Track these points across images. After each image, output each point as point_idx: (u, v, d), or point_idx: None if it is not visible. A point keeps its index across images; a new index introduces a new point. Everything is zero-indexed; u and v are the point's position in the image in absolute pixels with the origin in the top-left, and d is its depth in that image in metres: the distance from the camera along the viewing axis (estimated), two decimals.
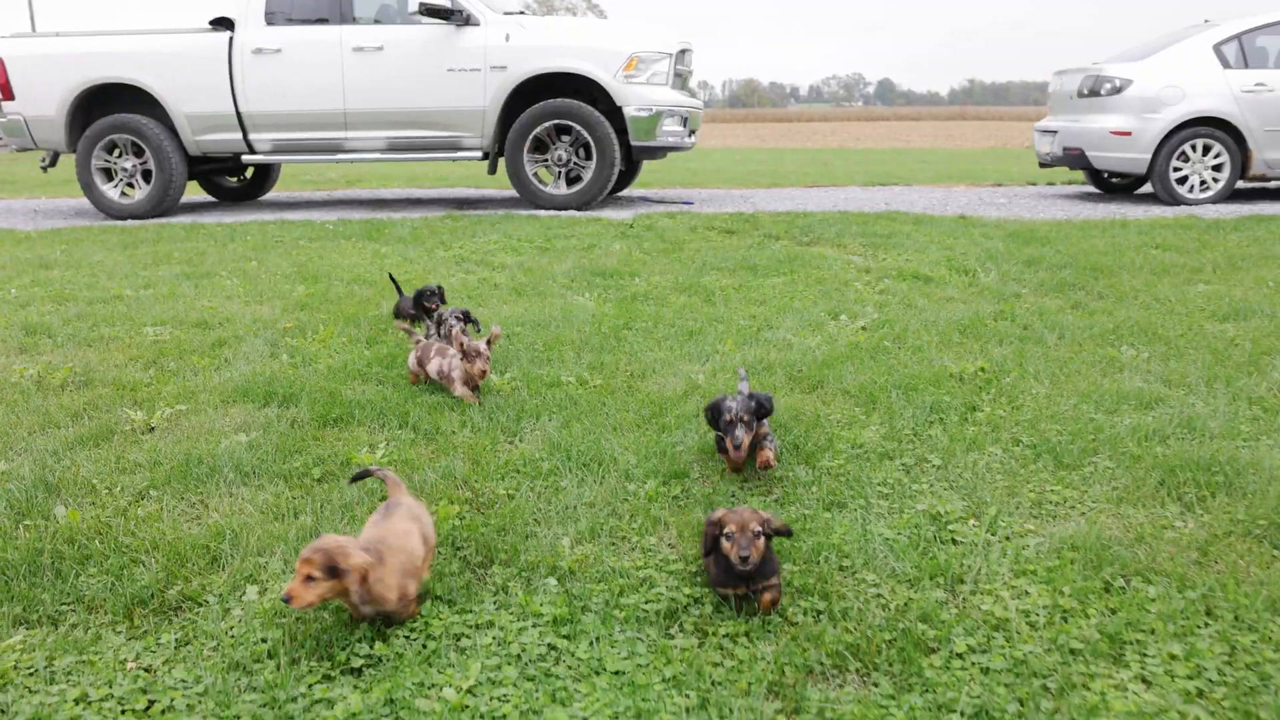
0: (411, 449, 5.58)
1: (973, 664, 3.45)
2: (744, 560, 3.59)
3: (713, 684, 3.36)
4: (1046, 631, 3.64)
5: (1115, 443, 5.46)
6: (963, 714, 3.16)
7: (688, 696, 3.29)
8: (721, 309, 9.06)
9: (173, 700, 3.37)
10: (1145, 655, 3.50)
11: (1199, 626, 3.66)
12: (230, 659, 3.57)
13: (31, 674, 3.53)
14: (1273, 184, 20.13)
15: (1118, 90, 16.83)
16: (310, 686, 3.41)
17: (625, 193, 19.93)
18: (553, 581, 4.06)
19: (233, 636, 3.73)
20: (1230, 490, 4.84)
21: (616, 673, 3.43)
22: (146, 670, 3.54)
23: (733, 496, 4.95)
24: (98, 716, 3.30)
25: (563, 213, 15.84)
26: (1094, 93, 17.20)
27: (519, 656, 3.56)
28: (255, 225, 15.13)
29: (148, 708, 3.34)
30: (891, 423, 5.87)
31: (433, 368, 6.42)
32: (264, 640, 3.67)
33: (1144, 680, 3.36)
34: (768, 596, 3.72)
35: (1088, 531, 4.41)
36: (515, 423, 5.96)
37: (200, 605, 3.98)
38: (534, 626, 3.74)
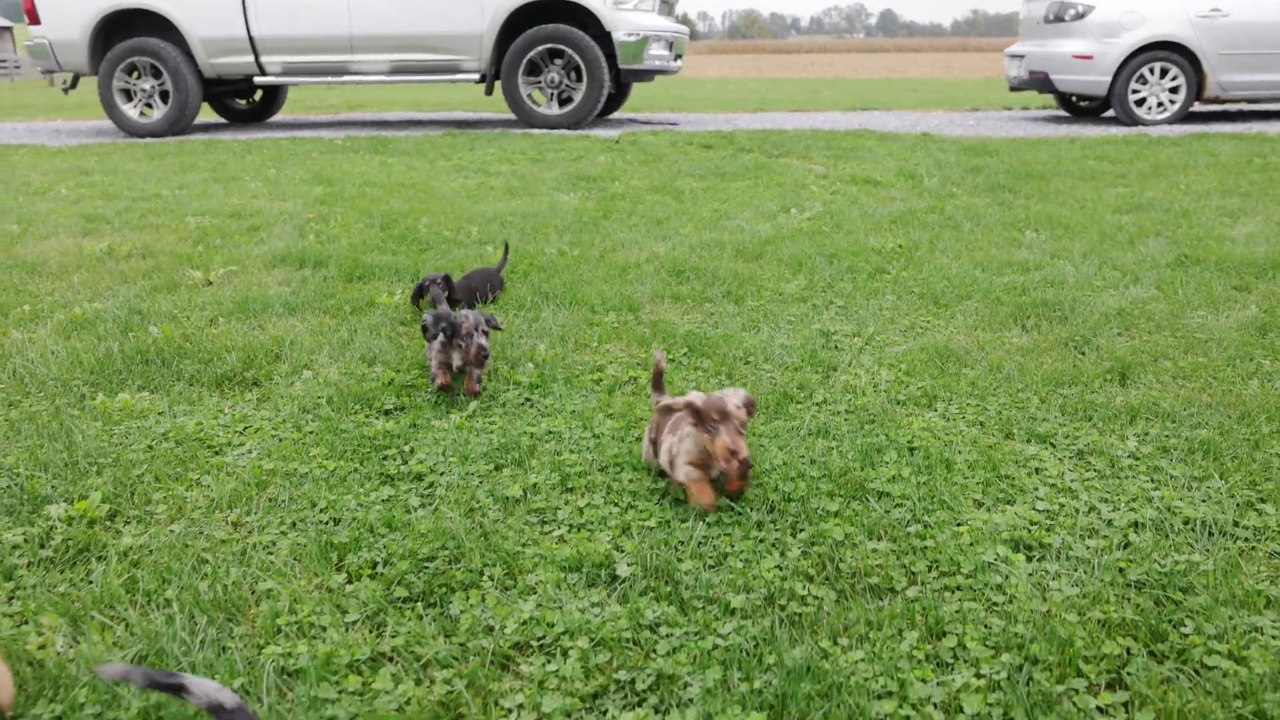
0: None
1: (824, 408, 4.87)
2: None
3: (640, 419, 4.77)
4: (884, 392, 5.05)
5: (987, 291, 6.84)
6: (809, 431, 4.58)
7: (620, 421, 4.71)
8: (689, 205, 10.38)
9: (260, 424, 4.80)
10: (949, 404, 4.91)
11: (994, 390, 5.06)
12: (299, 405, 4.99)
13: (161, 414, 4.95)
14: (1229, 107, 21.24)
15: (1080, 16, 17.90)
16: (355, 420, 4.83)
17: (614, 115, 21.08)
18: (530, 364, 5.47)
19: (297, 396, 5.14)
20: (1064, 320, 6.23)
21: (573, 411, 4.85)
22: (242, 416, 4.96)
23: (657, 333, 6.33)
24: (214, 429, 4.73)
25: (554, 131, 17.06)
26: (1059, 18, 18.28)
27: (504, 404, 4.99)
28: (269, 141, 16.36)
29: (244, 429, 4.76)
30: (811, 279, 7.25)
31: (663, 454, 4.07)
32: (320, 397, 5.08)
33: (943, 417, 4.78)
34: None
35: (942, 342, 5.80)
36: (508, 279, 7.33)
37: (271, 381, 5.39)
38: (514, 388, 5.16)
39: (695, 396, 3.71)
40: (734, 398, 3.71)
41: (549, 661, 3.09)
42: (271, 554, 3.70)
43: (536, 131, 16.94)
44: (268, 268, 7.82)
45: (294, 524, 3.93)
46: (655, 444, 4.03)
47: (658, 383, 4.35)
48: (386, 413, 4.95)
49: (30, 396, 5.19)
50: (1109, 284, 7.04)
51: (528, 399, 5.07)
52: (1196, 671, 2.96)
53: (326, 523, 3.92)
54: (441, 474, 4.29)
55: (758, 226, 9.16)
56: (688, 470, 3.79)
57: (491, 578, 3.52)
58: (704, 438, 3.69)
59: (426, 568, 3.57)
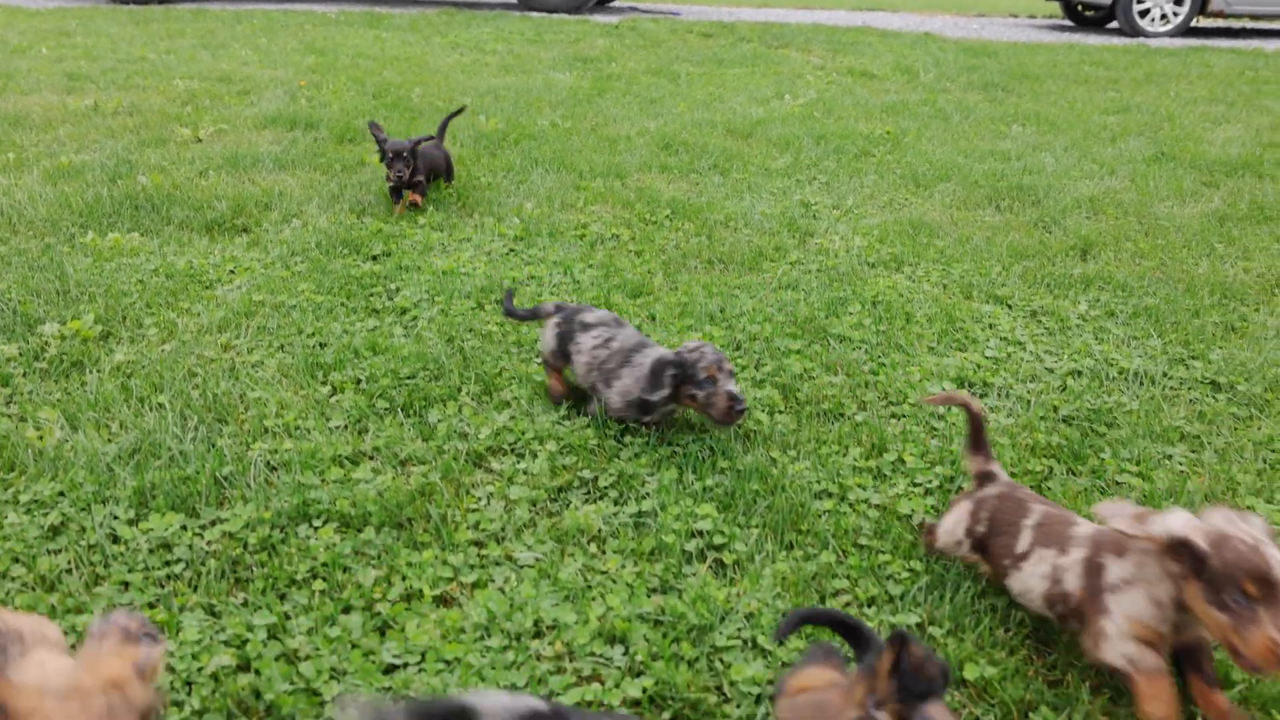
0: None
1: (797, 266, 5.07)
2: None
3: (619, 269, 4.97)
4: (855, 256, 5.25)
5: (966, 175, 6.98)
6: (780, 284, 4.79)
7: (600, 271, 4.91)
8: (684, 87, 10.39)
9: (250, 264, 4.97)
10: (916, 268, 5.12)
11: (960, 258, 5.26)
12: (288, 248, 5.16)
13: (151, 253, 5.11)
14: (1232, 24, 21.02)
15: None
16: (343, 262, 5.00)
17: (615, 3, 20.73)
18: (516, 220, 5.64)
19: (287, 240, 5.30)
20: (1036, 204, 6.40)
21: (555, 261, 5.04)
22: (232, 257, 5.12)
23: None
24: (204, 267, 4.91)
25: (554, 15, 16.83)
26: None
27: (489, 253, 5.17)
28: (259, 12, 16.11)
29: (234, 269, 4.94)
30: (797, 157, 7.37)
31: None
32: (310, 242, 5.24)
33: (909, 278, 4.99)
34: None
35: (917, 217, 5.98)
36: (498, 145, 7.43)
37: (260, 228, 5.54)
38: (500, 239, 5.34)
39: (1184, 522, 2.13)
40: (1251, 526, 2.11)
41: (519, 461, 3.34)
42: (260, 370, 3.91)
43: (536, 15, 16.71)
44: (258, 128, 7.88)
45: (282, 346, 4.14)
46: (979, 539, 2.68)
47: (977, 440, 2.81)
48: (374, 257, 5.13)
49: (19, 234, 5.33)
50: (1085, 175, 7.19)
51: (512, 249, 5.25)
52: (1108, 486, 3.23)
53: (313, 346, 4.13)
54: (425, 309, 4.49)
55: (750, 109, 9.22)
56: (1135, 653, 2.22)
57: (470, 394, 3.75)
58: (1206, 610, 2.07)
59: (408, 384, 3.79)
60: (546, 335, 3.74)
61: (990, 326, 4.43)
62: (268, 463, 3.28)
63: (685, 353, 3.35)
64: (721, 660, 2.50)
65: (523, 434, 3.45)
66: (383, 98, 9.19)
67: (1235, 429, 3.70)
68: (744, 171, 6.91)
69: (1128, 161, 7.61)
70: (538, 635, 2.57)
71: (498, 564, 2.85)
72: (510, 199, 6.08)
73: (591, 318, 3.67)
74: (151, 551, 2.83)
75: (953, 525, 2.75)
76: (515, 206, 5.90)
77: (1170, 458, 3.45)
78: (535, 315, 3.86)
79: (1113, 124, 9.15)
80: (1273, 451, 3.56)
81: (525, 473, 3.25)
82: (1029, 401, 3.77)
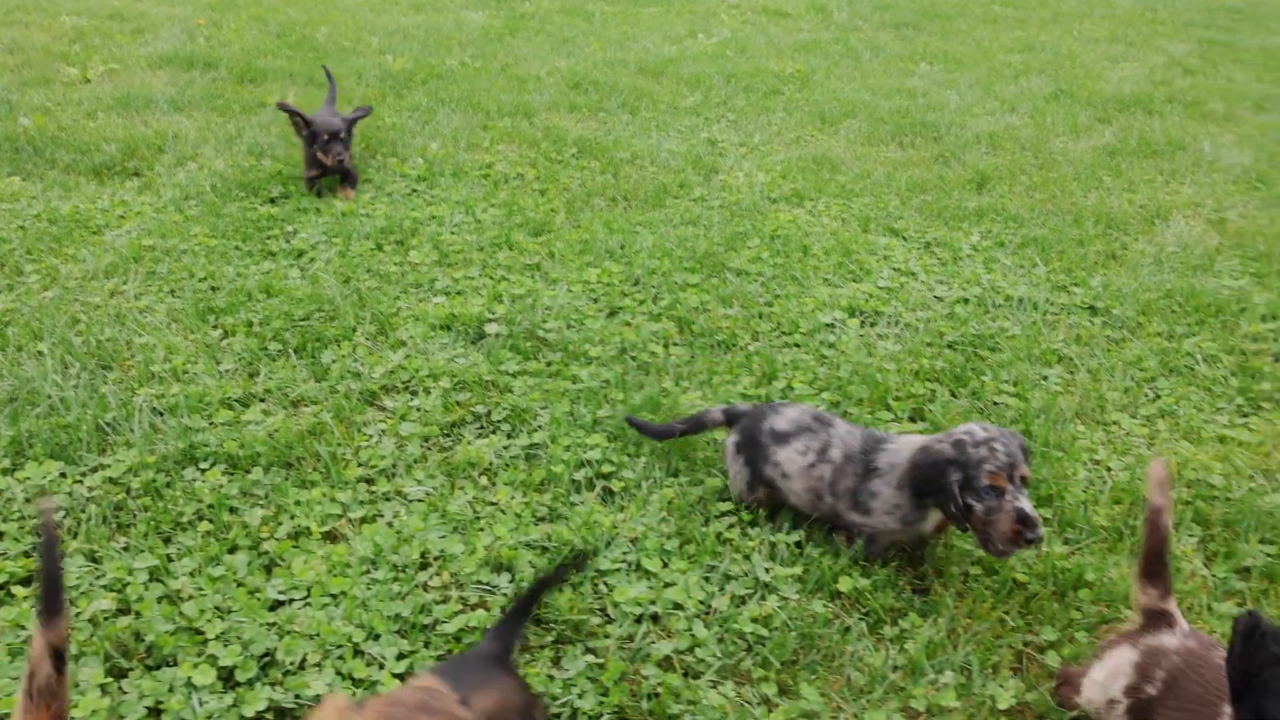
0: (318, 100, 6.89)
1: (700, 202, 5.10)
2: None
3: (521, 208, 4.94)
4: (758, 192, 5.29)
5: (872, 112, 7.05)
6: (682, 220, 4.82)
7: (503, 210, 4.88)
8: (598, 26, 10.26)
9: (141, 208, 4.83)
10: (816, 203, 5.18)
11: (860, 193, 5.34)
12: (182, 192, 5.02)
13: (34, 198, 4.93)
14: None
15: None
16: (240, 205, 4.89)
17: None
18: (420, 160, 5.56)
19: (181, 184, 5.16)
20: (938, 139, 6.50)
21: (458, 201, 4.99)
22: (121, 201, 4.97)
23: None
24: (91, 212, 4.76)
25: None
26: None
27: (390, 194, 5.10)
28: None
29: (124, 213, 4.80)
30: (707, 96, 7.36)
31: None
32: (205, 185, 5.11)
33: (809, 213, 5.06)
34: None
35: (821, 153, 6.03)
36: (405, 85, 7.28)
37: (153, 171, 5.38)
38: (402, 180, 5.26)
39: None
40: None
41: (412, 398, 3.34)
42: (149, 315, 3.83)
43: None
44: (152, 68, 7.60)
45: (172, 291, 4.05)
46: (1143, 705, 1.99)
47: (1156, 561, 2.13)
48: (272, 200, 5.02)
49: None
50: (987, 111, 7.32)
51: (414, 190, 5.18)
52: (986, 406, 3.35)
53: (205, 290, 4.05)
54: (322, 251, 4.42)
55: (663, 48, 9.15)
56: None
57: (365, 334, 3.72)
58: None
59: (302, 326, 3.75)
60: (731, 465, 2.84)
61: (885, 258, 4.52)
62: (154, 408, 3.22)
63: (968, 445, 2.41)
64: (605, 583, 2.55)
65: (417, 372, 3.45)
66: (286, 37, 8.92)
67: (1108, 350, 3.86)
68: (653, 110, 6.89)
69: (1028, 98, 7.75)
70: (425, 567, 2.60)
71: (387, 499, 2.86)
72: (415, 139, 5.98)
73: (783, 423, 2.76)
74: (28, 500, 2.78)
75: (1107, 679, 2.05)
76: (419, 147, 5.81)
77: (1046, 378, 3.59)
78: (699, 427, 2.96)
79: (1017, 62, 9.29)
80: (1141, 370, 3.72)
81: (418, 409, 3.26)
82: (917, 329, 3.87)
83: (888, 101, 7.40)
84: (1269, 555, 2.83)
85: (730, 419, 2.89)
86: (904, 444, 2.56)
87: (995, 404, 3.40)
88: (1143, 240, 4.98)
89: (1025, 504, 2.36)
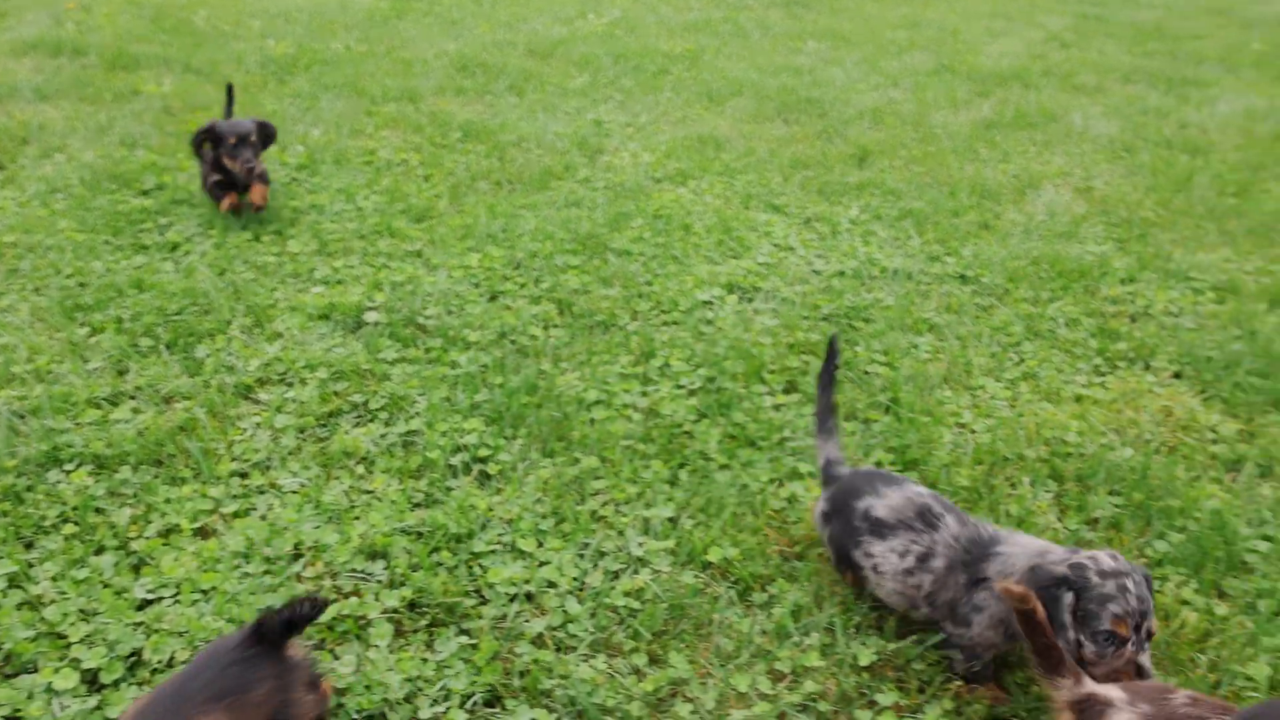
0: (196, 89, 6.69)
1: (585, 184, 5.12)
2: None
3: (404, 194, 4.89)
4: (643, 172, 5.33)
5: (759, 90, 7.14)
6: (565, 202, 4.83)
7: (385, 196, 4.83)
8: (487, 8, 10.16)
9: (4, 202, 4.65)
10: (700, 181, 5.25)
11: (744, 170, 5.42)
12: (48, 185, 4.85)
13: None
14: None
15: None
16: (110, 198, 4.74)
17: None
18: (300, 147, 5.45)
19: (47, 177, 4.98)
20: (822, 115, 6.62)
21: (339, 189, 4.92)
22: None
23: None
24: None
25: None
26: None
27: (269, 184, 4.99)
28: None
29: None
30: (595, 77, 7.37)
31: None
32: (73, 178, 4.94)
33: (693, 191, 5.12)
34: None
35: (707, 132, 6.10)
36: (287, 71, 7.12)
37: (16, 164, 5.17)
38: (282, 168, 5.17)
39: None
40: None
41: (288, 390, 3.30)
42: (10, 315, 3.71)
43: None
44: (16, 55, 7.29)
45: (36, 289, 3.92)
46: None
47: (1048, 655, 1.93)
48: (145, 192, 4.88)
49: None
50: (871, 87, 7.48)
51: (294, 178, 5.09)
52: (858, 376, 3.46)
53: (73, 286, 3.93)
54: (198, 243, 4.32)
55: (553, 29, 9.11)
56: None
57: (240, 327, 3.66)
58: None
59: (175, 320, 3.67)
60: (820, 531, 2.58)
61: (766, 234, 4.61)
62: (14, 410, 3.13)
63: (1090, 574, 2.07)
64: (480, 565, 2.58)
65: (293, 363, 3.41)
66: (162, 21, 8.63)
67: (977, 317, 4.01)
68: (540, 92, 6.87)
69: (911, 74, 7.95)
70: (298, 558, 2.59)
71: (261, 492, 2.84)
72: (296, 126, 5.87)
73: (884, 508, 2.41)
74: None
75: None
76: (300, 135, 5.70)
77: (917, 347, 3.72)
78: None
79: (902, 38, 9.50)
80: (1007, 336, 3.88)
81: (294, 401, 3.23)
82: (794, 303, 3.97)
83: (774, 79, 7.51)
84: (1116, 506, 2.99)
85: (826, 476, 2.59)
86: (1019, 550, 2.23)
87: (866, 373, 3.51)
88: (1014, 210, 5.17)
89: (1146, 660, 2.04)
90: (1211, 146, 6.70)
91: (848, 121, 6.48)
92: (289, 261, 4.17)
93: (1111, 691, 1.86)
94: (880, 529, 2.38)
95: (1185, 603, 2.66)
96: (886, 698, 2.28)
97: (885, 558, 2.36)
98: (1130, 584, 2.04)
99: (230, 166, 4.42)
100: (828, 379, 2.58)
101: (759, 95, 7.02)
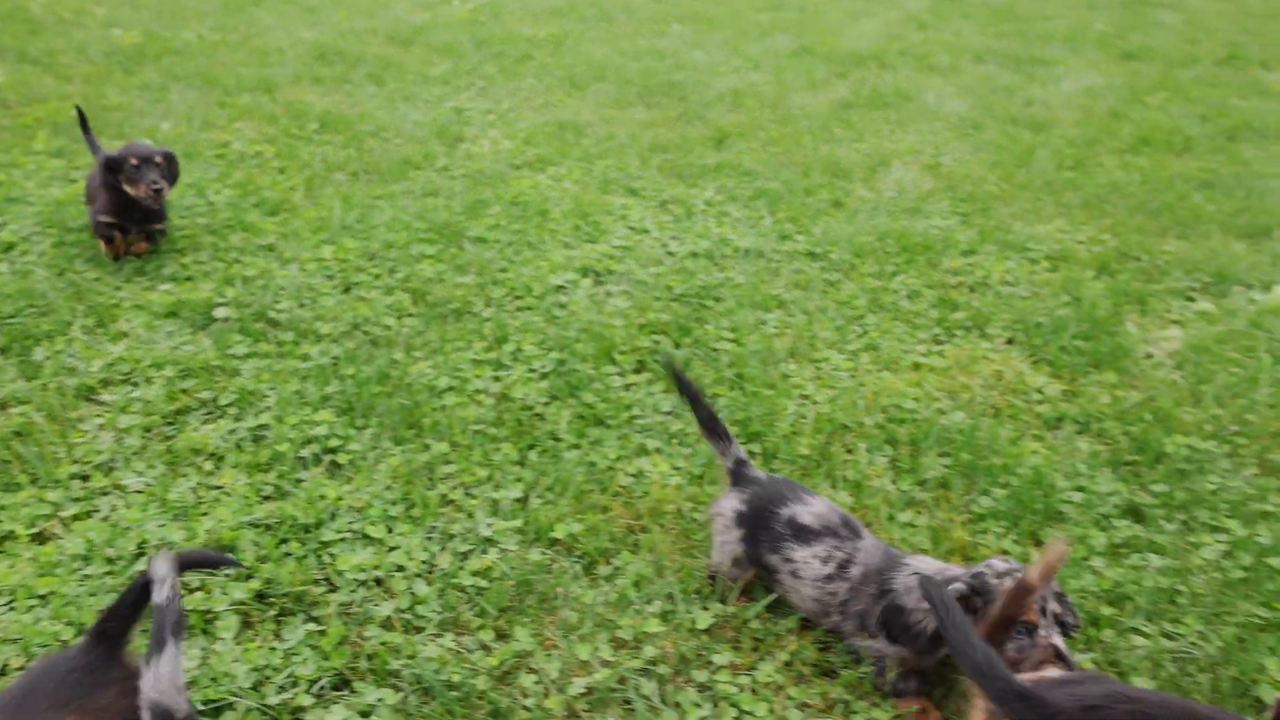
0: (34, 80, 6.40)
1: (443, 173, 5.13)
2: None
3: (258, 188, 4.81)
4: (503, 159, 5.36)
5: (621, 74, 7.23)
6: (422, 191, 4.84)
7: (237, 190, 4.75)
8: None
9: None
10: (560, 167, 5.31)
11: (603, 155, 5.51)
12: None
13: None
14: None
15: None
16: None
17: None
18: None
19: None
20: (683, 99, 6.75)
21: (189, 183, 4.81)
22: None
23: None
24: None
25: None
26: None
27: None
28: None
29: None
30: (457, 64, 7.34)
31: None
32: None
33: (552, 178, 5.18)
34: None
35: (568, 118, 6.15)
36: (135, 62, 6.89)
37: None
38: None
39: None
40: None
41: (133, 389, 3.25)
42: None
43: None
44: None
45: None
46: None
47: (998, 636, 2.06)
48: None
49: None
50: (732, 70, 7.64)
51: None
52: (706, 353, 3.59)
53: None
54: (35, 243, 4.19)
55: (414, 15, 9.02)
56: None
57: (82, 328, 3.57)
58: None
59: (10, 324, 3.56)
60: (722, 533, 2.56)
61: (622, 218, 4.70)
62: None
63: (988, 578, 2.19)
64: (329, 553, 2.61)
65: (139, 362, 3.35)
66: None
67: (824, 292, 4.18)
68: (400, 81, 6.82)
69: (772, 56, 8.15)
70: (142, 556, 2.57)
71: (104, 494, 2.80)
72: (144, 120, 5.70)
73: (809, 515, 2.48)
74: None
75: None
76: (149, 128, 5.55)
77: (765, 323, 3.86)
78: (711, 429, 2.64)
79: (765, 21, 9.71)
80: (852, 309, 4.06)
81: (139, 400, 3.18)
82: (647, 284, 4.07)
83: (637, 63, 7.61)
84: (945, 467, 3.18)
85: (740, 478, 2.59)
86: (924, 566, 2.33)
87: (714, 350, 3.63)
88: (864, 187, 5.39)
89: (1060, 641, 2.12)
90: (1054, 123, 7.08)
91: (708, 104, 6.62)
92: (134, 259, 4.07)
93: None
94: (807, 536, 2.44)
95: (1005, 553, 2.86)
96: (722, 658, 2.40)
97: (807, 563, 2.43)
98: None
99: (134, 193, 3.90)
100: (689, 392, 2.63)
101: (621, 80, 7.11)
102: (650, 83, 7.01)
